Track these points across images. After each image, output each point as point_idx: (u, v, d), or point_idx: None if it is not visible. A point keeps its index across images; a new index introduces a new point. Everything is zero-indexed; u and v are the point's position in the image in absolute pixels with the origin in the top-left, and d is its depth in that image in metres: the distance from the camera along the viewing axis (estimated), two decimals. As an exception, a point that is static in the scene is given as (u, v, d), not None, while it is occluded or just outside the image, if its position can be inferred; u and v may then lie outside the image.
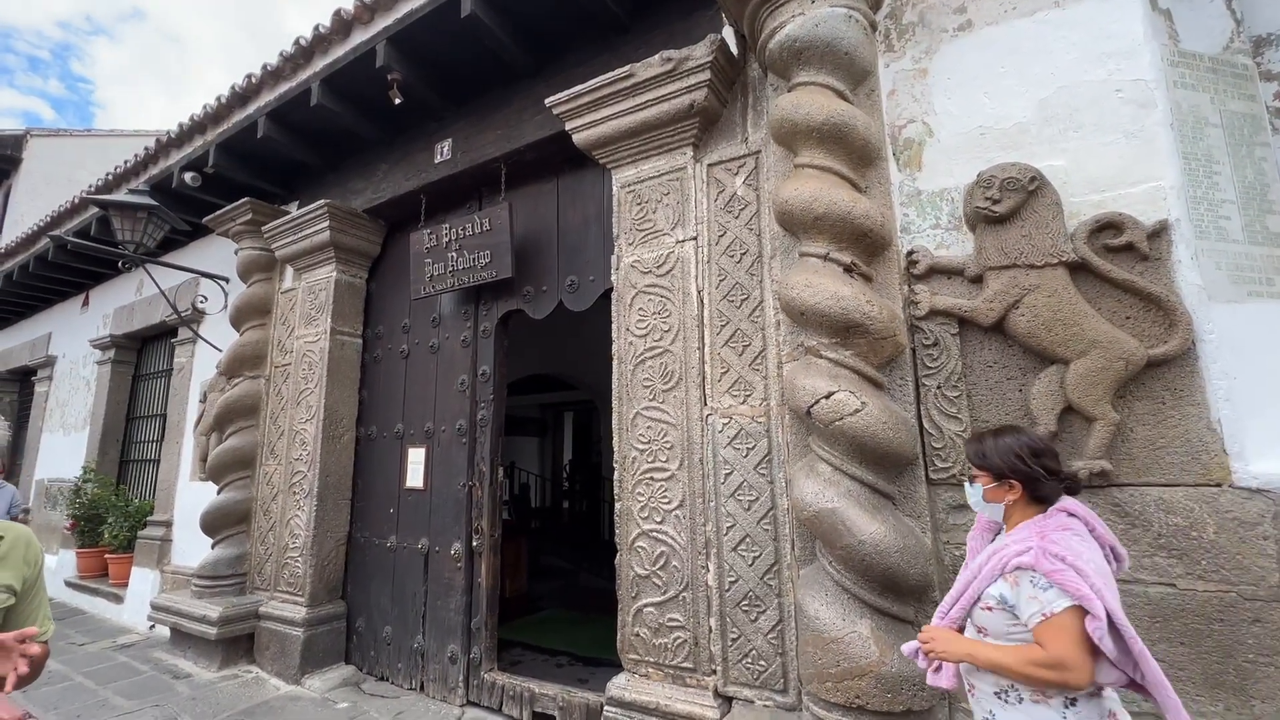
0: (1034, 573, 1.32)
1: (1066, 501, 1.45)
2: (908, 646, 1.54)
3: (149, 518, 5.73)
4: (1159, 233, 1.94)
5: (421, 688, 3.64)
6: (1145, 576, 1.84)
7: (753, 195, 2.65)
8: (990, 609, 1.40)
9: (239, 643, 4.10)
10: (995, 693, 1.40)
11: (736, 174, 2.71)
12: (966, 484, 1.60)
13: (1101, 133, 2.06)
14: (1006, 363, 2.11)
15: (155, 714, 3.39)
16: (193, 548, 4.92)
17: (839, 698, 1.90)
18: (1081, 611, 1.25)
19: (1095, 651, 1.25)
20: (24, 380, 9.18)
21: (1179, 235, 1.93)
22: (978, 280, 2.16)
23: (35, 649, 1.21)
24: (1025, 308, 2.03)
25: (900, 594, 1.95)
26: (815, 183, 2.19)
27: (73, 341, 7.76)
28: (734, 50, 2.78)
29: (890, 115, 2.44)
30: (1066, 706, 1.31)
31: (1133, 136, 2.02)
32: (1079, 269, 2.01)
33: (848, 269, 2.17)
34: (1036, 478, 1.44)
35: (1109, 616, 1.23)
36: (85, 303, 7.73)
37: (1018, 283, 2.05)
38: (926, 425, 2.17)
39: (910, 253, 2.28)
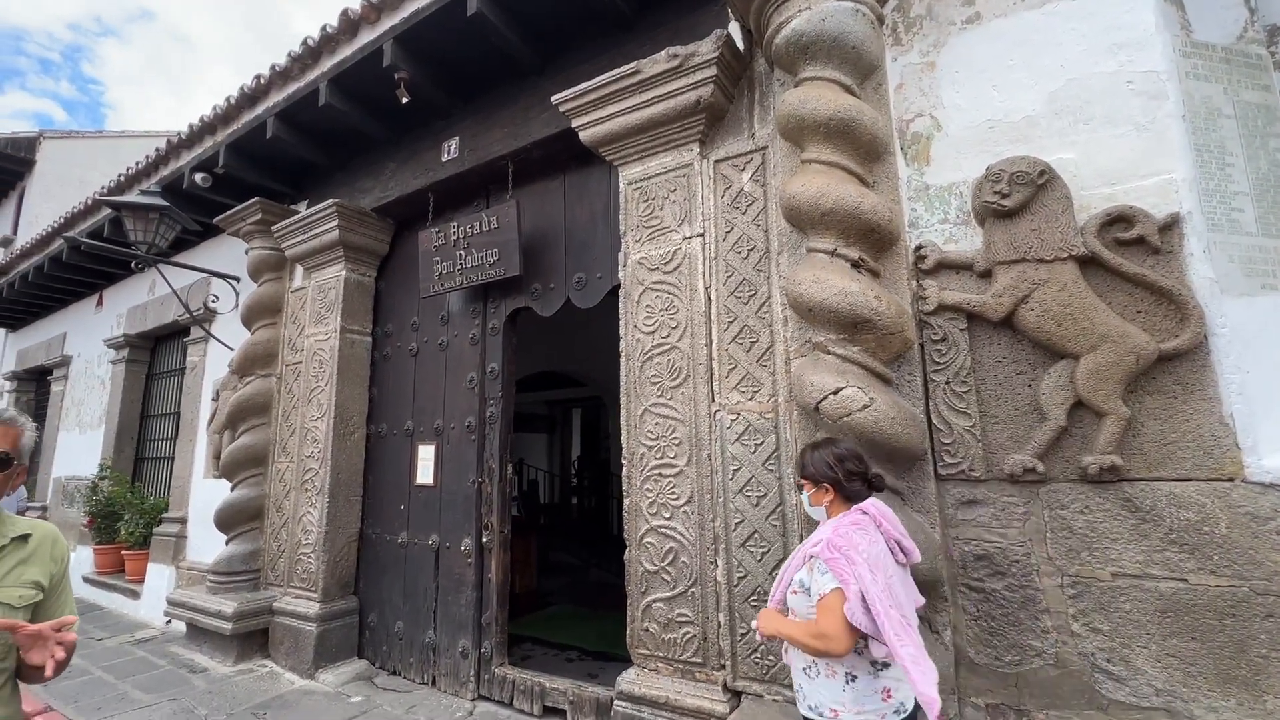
0: (818, 560, 1.56)
1: (865, 502, 1.68)
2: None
3: (164, 514, 5.81)
4: (1171, 225, 1.92)
5: (433, 682, 3.67)
6: (1156, 572, 1.83)
7: (760, 191, 2.65)
8: (795, 592, 1.65)
9: (254, 637, 4.15)
10: (803, 668, 1.64)
11: (743, 170, 2.71)
12: (800, 492, 1.82)
13: (1112, 125, 2.04)
14: (1016, 358, 2.10)
15: (173, 707, 3.45)
16: (207, 544, 4.98)
17: (848, 692, 1.90)
18: (843, 592, 1.48)
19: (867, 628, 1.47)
20: (40, 379, 9.31)
21: (1191, 228, 1.91)
22: (986, 275, 2.15)
23: (73, 636, 1.25)
24: (1035, 302, 2.02)
25: (909, 589, 1.95)
26: (822, 178, 2.19)
27: (87, 341, 7.86)
28: (740, 46, 2.77)
29: (898, 109, 2.43)
30: (848, 682, 1.55)
31: (1144, 129, 2.00)
32: (1089, 263, 2.00)
33: (855, 264, 2.16)
34: (840, 480, 1.67)
35: (863, 597, 1.46)
36: (99, 303, 7.82)
37: (1027, 277, 2.04)
38: (935, 421, 2.16)
39: (918, 248, 2.27)
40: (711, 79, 2.65)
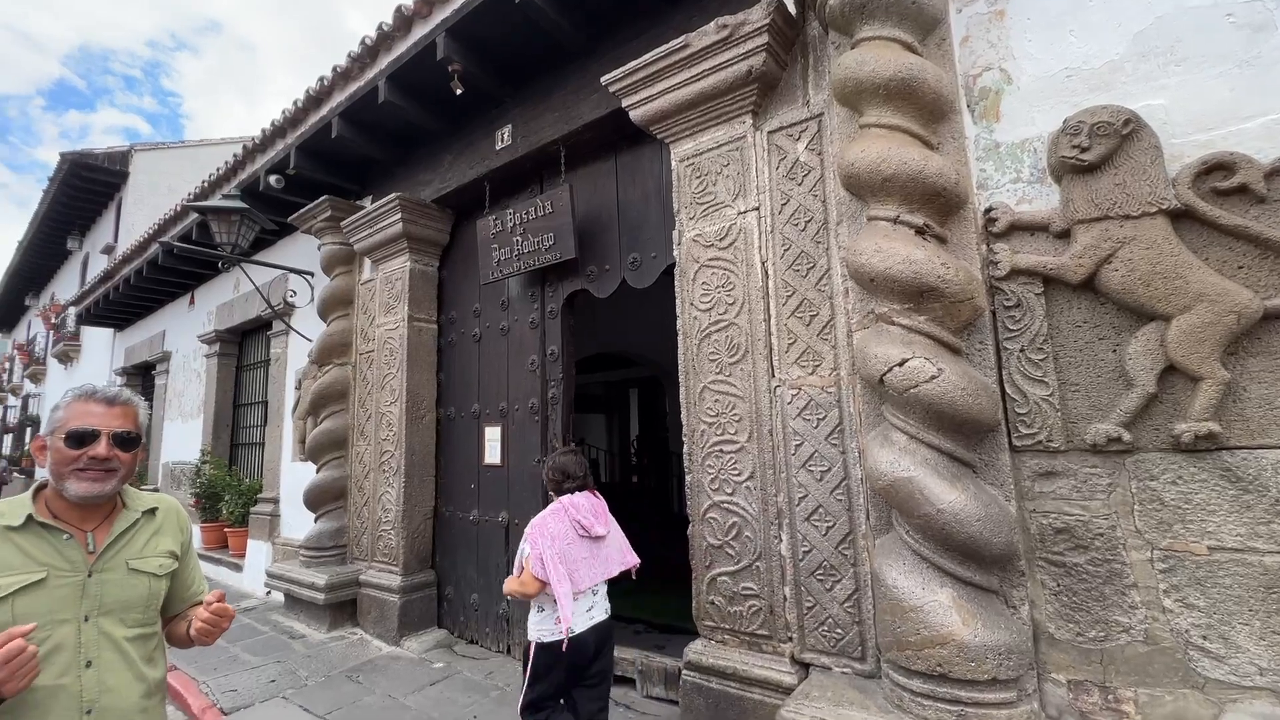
0: (526, 536, 2.34)
1: (565, 496, 2.46)
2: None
3: (259, 495, 6.29)
4: (1278, 171, 1.75)
5: (508, 650, 3.86)
6: (1261, 545, 1.72)
7: (816, 160, 2.58)
8: (523, 560, 2.32)
9: (344, 607, 4.48)
10: (529, 612, 2.37)
11: (798, 139, 2.64)
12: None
13: (1209, 65, 1.87)
14: (1098, 322, 1.99)
15: (278, 669, 3.78)
16: (297, 521, 5.37)
17: (920, 665, 1.89)
18: (534, 555, 2.27)
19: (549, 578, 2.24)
20: (146, 374, 10.18)
21: (1303, 172, 1.74)
22: (1064, 235, 2.03)
23: (230, 610, 1.38)
24: (1119, 262, 1.90)
25: (983, 563, 1.91)
26: (883, 142, 2.11)
27: (184, 337, 8.52)
28: (791, 10, 2.68)
29: (964, 64, 2.31)
30: (538, 612, 2.33)
31: (1247, 65, 1.83)
32: (1182, 217, 1.85)
33: (920, 231, 2.08)
34: (551, 484, 2.54)
35: (543, 558, 2.25)
36: (191, 301, 8.45)
37: (1110, 235, 1.92)
38: (1009, 390, 2.08)
39: (988, 210, 2.17)
40: (763, 47, 2.58)
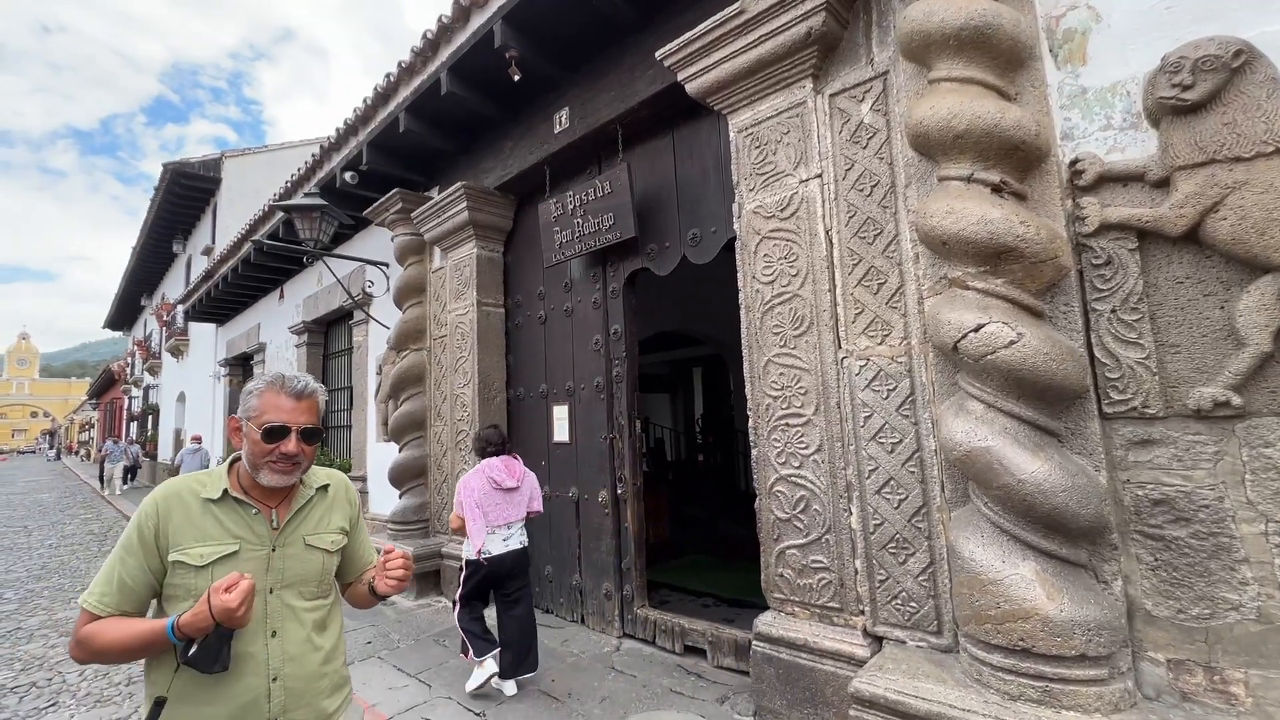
0: (457, 488, 3.24)
1: (484, 460, 3.29)
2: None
3: (349, 474, 6.75)
4: None
5: (582, 620, 4.01)
6: (1398, 517, 1.55)
7: (881, 121, 2.47)
8: (456, 506, 3.21)
9: (428, 577, 4.77)
10: (463, 541, 3.26)
11: (862, 100, 2.54)
12: None
13: (1340, -21, 1.66)
14: (1203, 277, 1.82)
15: (373, 631, 4.09)
16: (383, 497, 5.74)
17: (1001, 640, 1.83)
18: (459, 501, 3.20)
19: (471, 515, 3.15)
20: (245, 364, 11.07)
21: None
22: (1163, 184, 1.86)
23: (398, 556, 1.43)
24: (1229, 209, 1.73)
25: (1070, 536, 1.82)
26: (954, 96, 2.00)
27: (276, 329, 9.19)
28: (853, -37, 2.56)
29: (1044, 5, 2.14)
30: (467, 540, 3.17)
31: (1388, -23, 1.60)
32: (1305, 155, 1.66)
33: (996, 189, 1.97)
34: (477, 449, 3.37)
35: (463, 503, 3.16)
36: (281, 296, 9.09)
37: (1217, 181, 1.75)
38: (1098, 354, 1.95)
39: (1074, 162, 2.02)
40: (822, 6, 2.49)
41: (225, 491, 1.31)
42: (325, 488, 1.46)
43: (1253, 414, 1.73)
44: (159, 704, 1.19)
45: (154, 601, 1.28)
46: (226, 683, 1.21)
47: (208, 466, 11.23)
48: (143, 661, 1.25)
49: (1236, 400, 1.73)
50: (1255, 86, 1.72)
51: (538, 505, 3.42)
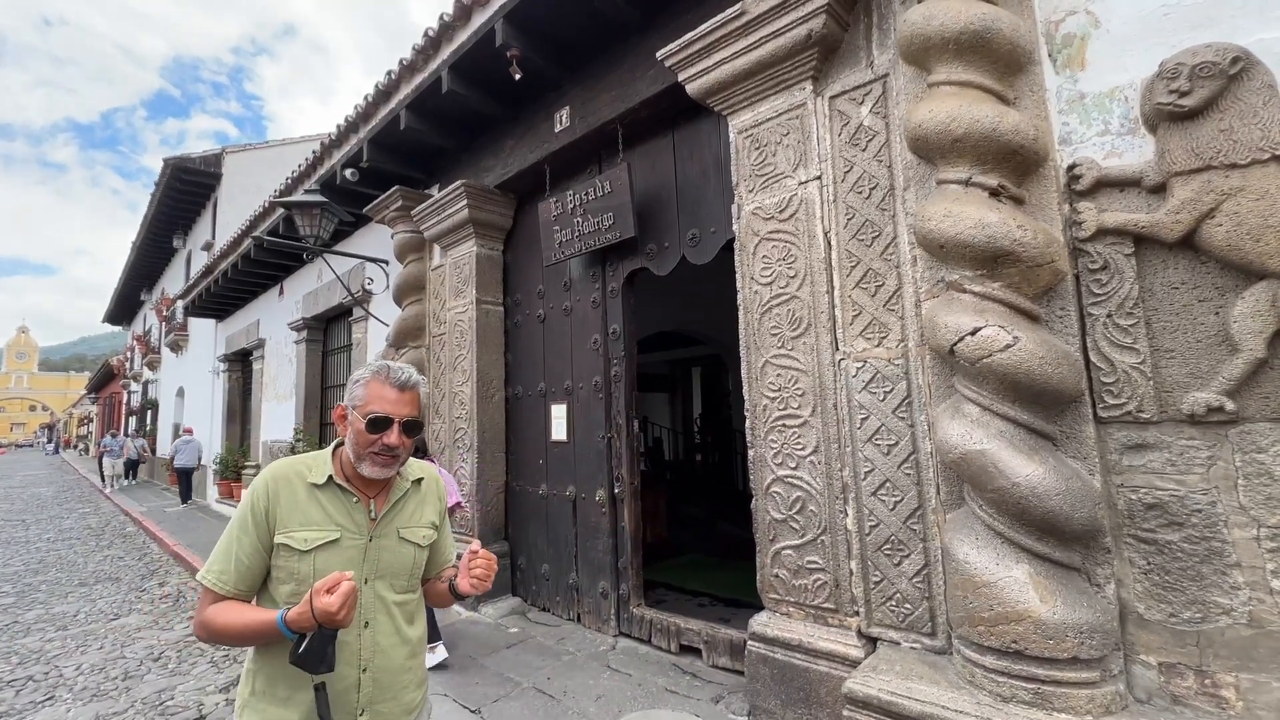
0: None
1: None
2: None
3: (346, 471, 6.76)
4: None
5: (578, 619, 4.02)
6: (1389, 523, 1.56)
7: (881, 124, 2.48)
8: None
9: (426, 575, 4.77)
10: None
11: (862, 103, 2.54)
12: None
13: (1337, -12, 1.67)
14: (1199, 282, 1.83)
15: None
16: (382, 495, 5.74)
17: (994, 642, 1.84)
18: None
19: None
20: (244, 360, 11.07)
21: None
22: (1159, 190, 1.87)
23: (490, 561, 1.41)
24: (1225, 215, 1.74)
25: (1064, 539, 1.83)
26: (953, 100, 2.01)
27: (276, 326, 9.19)
28: (854, -34, 2.57)
29: (1044, 10, 2.14)
30: None
31: (1385, -15, 1.61)
32: (1300, 163, 1.67)
33: (994, 193, 1.98)
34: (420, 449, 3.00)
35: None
36: (281, 292, 9.09)
37: (1214, 187, 1.76)
38: (1094, 358, 1.96)
39: (1072, 166, 2.02)
40: (823, 9, 2.49)
41: (330, 478, 1.31)
42: (419, 481, 1.46)
43: (1246, 419, 1.74)
44: (320, 689, 1.20)
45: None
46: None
47: (200, 456, 11.57)
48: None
49: (1230, 406, 1.74)
50: (1252, 94, 1.73)
51: (456, 498, 3.73)
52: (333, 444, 1.39)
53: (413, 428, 1.33)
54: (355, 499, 1.32)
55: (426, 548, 1.43)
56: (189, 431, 12.36)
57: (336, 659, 1.19)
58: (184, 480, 11.61)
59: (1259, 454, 1.72)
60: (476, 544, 1.45)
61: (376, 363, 1.36)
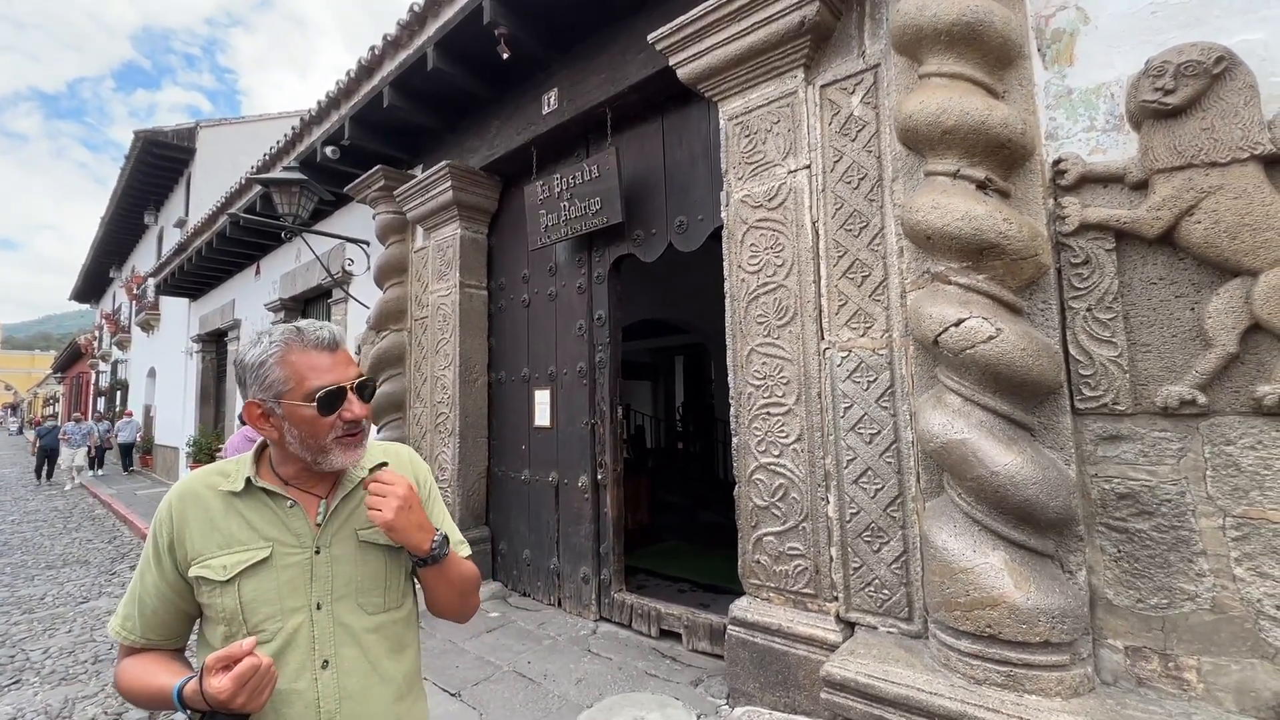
0: (226, 446, 3.46)
1: (245, 427, 3.24)
2: None
3: (325, 455, 6.67)
4: (1394, 109, 1.59)
5: (559, 604, 4.03)
6: (1347, 514, 1.62)
7: (871, 114, 2.48)
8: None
9: (405, 559, 4.74)
10: None
11: (853, 93, 2.54)
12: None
13: (1318, -9, 1.70)
14: (1176, 278, 1.87)
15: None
16: (361, 480, 5.68)
17: (968, 626, 1.88)
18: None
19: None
20: (219, 341, 10.83)
21: None
22: (1141, 187, 1.90)
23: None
24: (1203, 213, 1.78)
25: (1039, 527, 1.87)
26: (944, 92, 2.01)
27: (252, 306, 8.99)
28: (848, -47, 2.55)
29: (1035, 4, 2.16)
30: None
31: (1364, -10, 1.65)
32: (1277, 163, 1.71)
33: (981, 185, 2.00)
34: (250, 421, 3.31)
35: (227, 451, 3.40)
36: (257, 272, 8.89)
37: (1194, 185, 1.79)
38: (1073, 351, 2.00)
39: (1057, 161, 2.05)
40: (817, -5, 2.48)
41: (249, 481, 1.05)
42: (380, 467, 1.09)
43: (1216, 412, 1.79)
44: None
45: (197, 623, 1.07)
46: None
47: (139, 433, 11.80)
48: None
49: (1202, 399, 1.79)
50: (1234, 93, 1.76)
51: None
52: (258, 444, 1.12)
53: (367, 389, 1.07)
54: (290, 503, 1.06)
55: (401, 549, 1.10)
56: (129, 414, 14.80)
57: (287, 715, 0.98)
58: (125, 453, 14.08)
59: (1227, 446, 1.78)
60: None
61: (274, 330, 1.05)
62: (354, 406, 1.04)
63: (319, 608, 1.03)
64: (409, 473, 1.18)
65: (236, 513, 1.04)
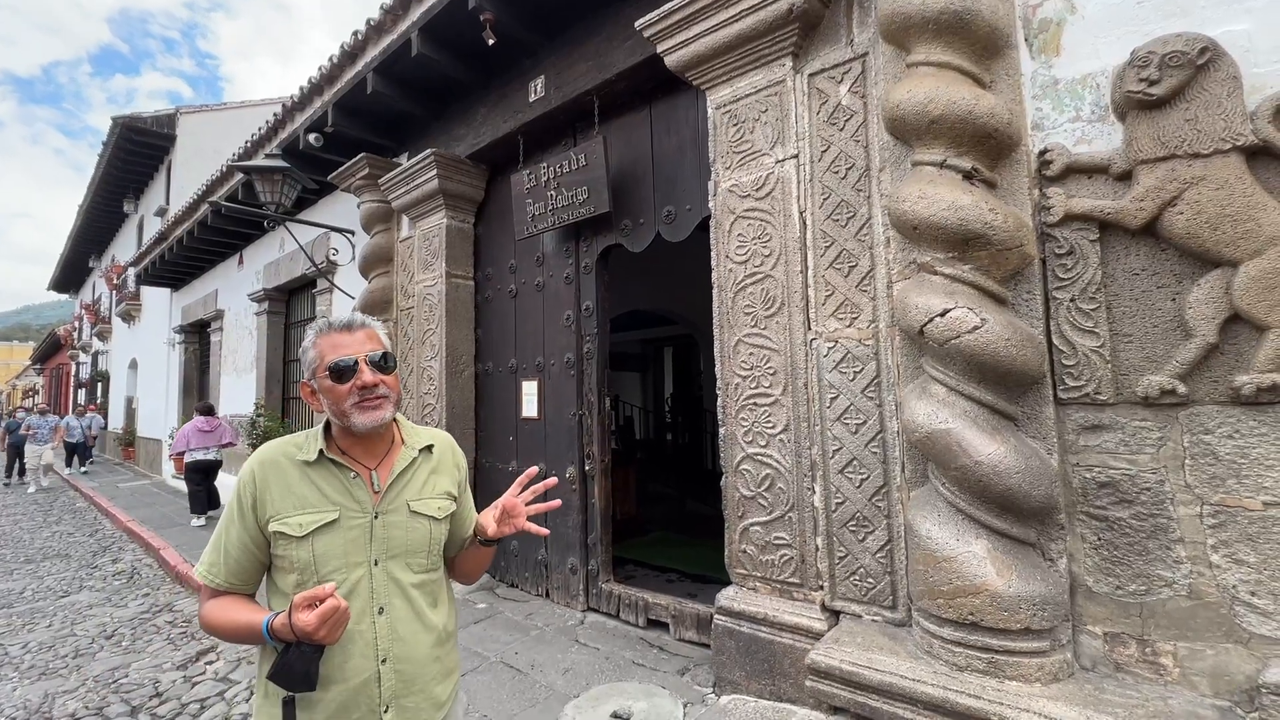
0: (176, 435, 6.96)
1: (198, 418, 7.01)
2: None
3: (310, 446, 6.61)
4: (1373, 101, 1.61)
5: (547, 594, 4.04)
6: (1321, 501, 1.65)
7: (859, 104, 2.47)
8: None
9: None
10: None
11: (841, 82, 2.53)
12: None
13: (1302, -18, 1.70)
14: (1158, 269, 1.89)
15: (334, 605, 4.04)
16: (348, 471, 5.63)
17: (951, 614, 1.90)
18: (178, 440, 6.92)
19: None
20: (201, 331, 10.67)
21: (1402, 102, 1.59)
22: (1125, 177, 1.91)
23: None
24: (1186, 204, 1.79)
25: (1021, 516, 1.89)
26: (931, 81, 2.01)
27: (235, 296, 8.86)
28: (837, -60, 2.53)
29: (1023, -7, 2.15)
30: (186, 455, 7.08)
31: (1346, -18, 1.65)
32: (1259, 154, 1.73)
33: (967, 176, 2.00)
34: (198, 412, 6.91)
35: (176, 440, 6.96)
36: (240, 261, 8.75)
37: (1177, 176, 1.80)
38: (1056, 341, 2.01)
39: (1043, 152, 2.05)
40: (805, -18, 2.46)
41: (321, 453, 1.22)
42: (430, 449, 1.33)
43: (1195, 402, 1.81)
44: (289, 703, 1.11)
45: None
46: (334, 664, 1.13)
47: (92, 429, 12.12)
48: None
49: (1182, 389, 1.81)
50: (1217, 84, 1.77)
51: (228, 439, 6.98)
52: (322, 422, 1.30)
53: (381, 361, 1.23)
54: (353, 474, 1.23)
55: (445, 520, 1.31)
56: (81, 412, 14.97)
57: (351, 651, 1.14)
58: (72, 453, 13.31)
59: (1206, 435, 1.80)
60: (534, 469, 1.45)
61: (317, 322, 1.30)
62: (364, 374, 1.20)
63: (376, 564, 1.21)
64: (450, 458, 1.39)
65: (309, 480, 1.21)
